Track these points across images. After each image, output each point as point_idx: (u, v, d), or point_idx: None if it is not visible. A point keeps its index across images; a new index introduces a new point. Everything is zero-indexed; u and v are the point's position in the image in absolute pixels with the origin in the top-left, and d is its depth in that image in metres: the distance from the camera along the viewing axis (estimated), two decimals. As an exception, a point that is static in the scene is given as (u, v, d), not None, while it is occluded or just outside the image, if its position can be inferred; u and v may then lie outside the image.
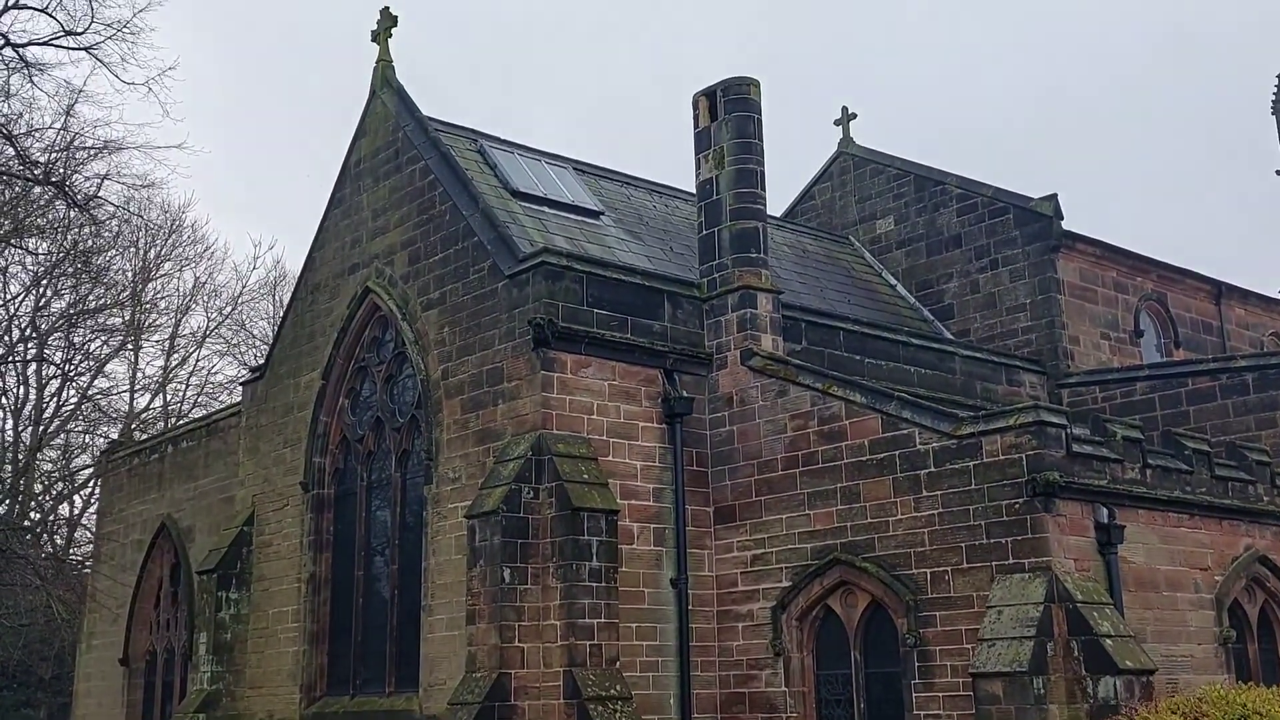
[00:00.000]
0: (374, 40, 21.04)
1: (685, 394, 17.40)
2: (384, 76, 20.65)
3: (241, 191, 71.52)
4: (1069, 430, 14.75)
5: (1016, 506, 14.30)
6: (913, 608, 14.94)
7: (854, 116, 27.32)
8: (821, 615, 16.18)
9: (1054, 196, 23.57)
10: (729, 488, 17.35)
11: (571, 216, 19.80)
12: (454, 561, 16.69)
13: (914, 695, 14.73)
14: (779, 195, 30.11)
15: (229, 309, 41.88)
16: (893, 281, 25.55)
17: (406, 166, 19.57)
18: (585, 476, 15.70)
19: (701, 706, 16.40)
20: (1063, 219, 23.48)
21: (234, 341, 42.13)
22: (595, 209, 20.39)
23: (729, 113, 18.55)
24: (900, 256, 25.79)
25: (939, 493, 15.07)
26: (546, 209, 19.57)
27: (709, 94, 18.79)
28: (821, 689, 16.02)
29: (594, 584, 15.16)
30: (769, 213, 25.64)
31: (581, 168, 21.94)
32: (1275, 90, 41.20)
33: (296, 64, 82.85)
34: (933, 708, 14.52)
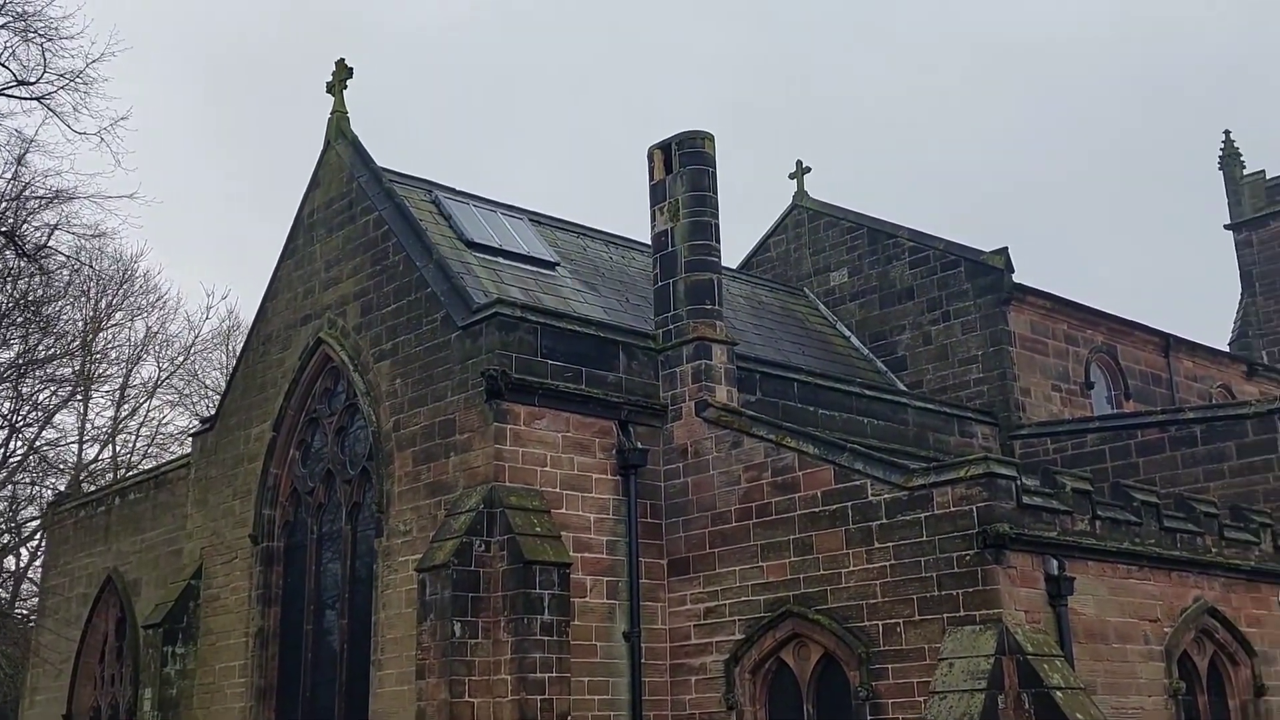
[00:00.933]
0: (329, 91, 21.07)
1: (640, 445, 17.38)
2: (339, 128, 20.68)
3: (196, 240, 71.17)
4: (1019, 482, 14.85)
5: (968, 558, 14.34)
6: (865, 660, 14.91)
7: (808, 170, 27.65)
8: (774, 668, 16.10)
9: (1005, 250, 23.89)
10: (683, 539, 17.30)
11: (527, 267, 19.84)
12: (404, 615, 16.48)
13: (874, 749, 14.67)
14: (736, 247, 30.32)
15: (181, 359, 41.46)
16: (846, 333, 25.74)
17: (360, 217, 19.55)
18: (538, 529, 15.60)
19: (655, 761, 16.24)
20: (1013, 272, 23.79)
21: (186, 392, 41.67)
22: (551, 260, 20.44)
23: (684, 165, 18.71)
24: (854, 308, 26.00)
25: (891, 544, 15.10)
26: (501, 260, 19.59)
27: (664, 147, 18.96)
28: (775, 743, 15.92)
29: (545, 637, 15.01)
30: (725, 264, 25.84)
31: (538, 219, 22.02)
32: (1222, 145, 42.17)
33: (257, 112, 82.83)
34: (896, 761, 14.45)
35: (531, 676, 14.80)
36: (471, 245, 19.43)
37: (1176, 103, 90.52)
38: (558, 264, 20.52)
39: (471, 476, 16.09)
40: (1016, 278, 23.82)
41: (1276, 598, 17.68)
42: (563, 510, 16.33)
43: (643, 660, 16.50)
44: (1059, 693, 13.49)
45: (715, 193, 18.75)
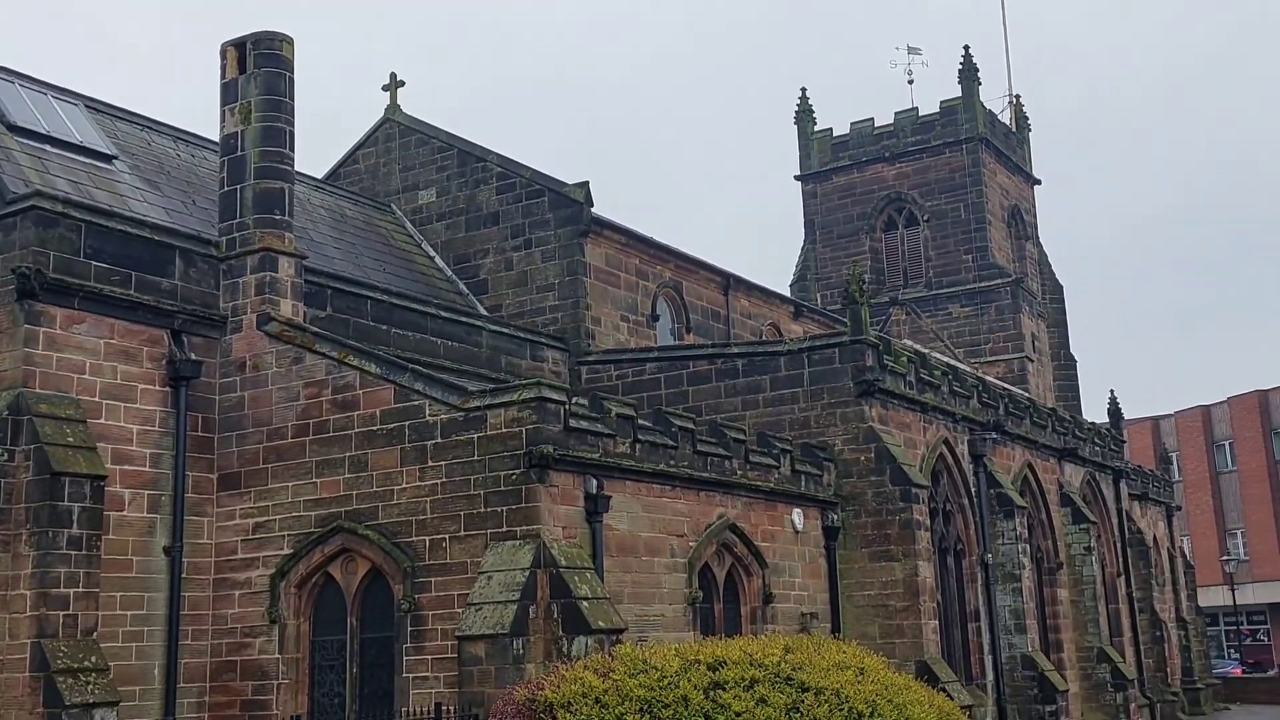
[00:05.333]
0: None
1: (194, 357, 16.78)
2: None
3: None
4: (568, 406, 15.70)
5: (514, 477, 15.04)
6: (410, 574, 15.35)
7: (403, 84, 27.33)
8: (321, 582, 16.25)
9: (586, 184, 24.84)
10: (236, 454, 16.95)
11: (79, 158, 18.41)
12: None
13: (405, 659, 15.18)
14: (326, 159, 29.56)
15: None
16: (431, 253, 25.90)
17: (-120, 84, 17.37)
18: (70, 439, 14.75)
19: (190, 676, 15.98)
20: (593, 205, 24.80)
21: None
22: (108, 152, 19.07)
23: (259, 67, 17.99)
24: (440, 229, 26.17)
25: (444, 463, 15.55)
26: (50, 148, 18.07)
27: (238, 45, 18.13)
28: (316, 655, 16.10)
29: (73, 552, 14.31)
30: (310, 174, 25.28)
31: (96, 106, 20.40)
32: (798, 101, 45.68)
33: None
34: (422, 670, 15.02)
35: (54, 592, 14.08)
36: (14, 129, 17.78)
37: (767, 54, 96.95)
38: (115, 157, 19.18)
39: (-4, 380, 14.92)
40: (596, 211, 24.86)
41: (789, 516, 19.81)
42: (102, 420, 15.52)
43: (184, 575, 16.11)
44: (585, 603, 14.51)
45: (292, 98, 18.19)
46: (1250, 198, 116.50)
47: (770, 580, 19.02)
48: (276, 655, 15.97)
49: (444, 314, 21.79)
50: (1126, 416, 37.57)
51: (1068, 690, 24.32)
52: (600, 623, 14.48)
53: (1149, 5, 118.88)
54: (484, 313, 24.28)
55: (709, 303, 28.34)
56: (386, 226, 25.73)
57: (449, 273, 25.66)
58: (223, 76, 18.21)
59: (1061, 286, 45.67)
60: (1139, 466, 40.34)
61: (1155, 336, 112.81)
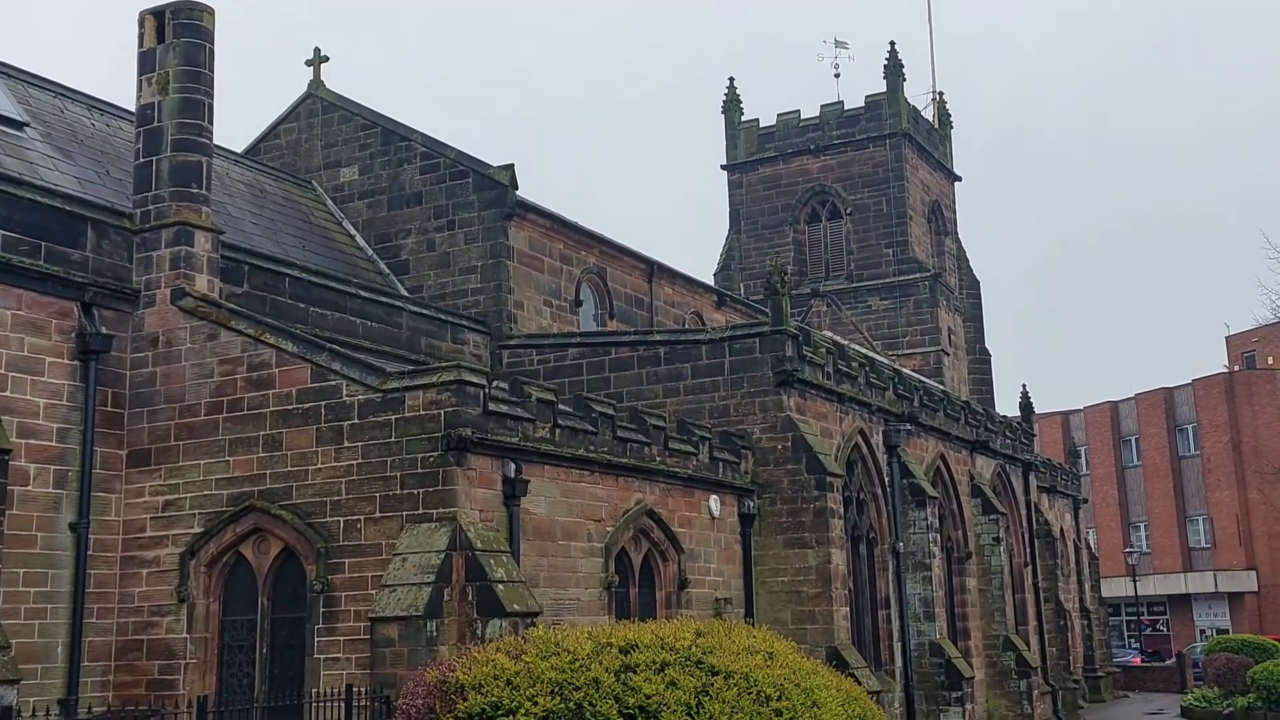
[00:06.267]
0: None
1: (105, 331, 16.43)
2: None
3: None
4: (487, 390, 15.66)
5: (431, 459, 14.98)
6: (323, 555, 15.22)
7: (326, 59, 26.95)
8: (233, 562, 16.04)
9: (510, 166, 24.74)
10: (146, 430, 16.65)
11: (-12, 125, 17.90)
12: None
13: (316, 639, 15.05)
14: (246, 134, 29.03)
15: None
16: (352, 232, 25.62)
17: None
18: (-27, 411, 14.37)
19: (95, 655, 15.69)
20: (518, 188, 24.71)
21: None
22: (19, 119, 18.56)
23: (178, 37, 17.63)
24: (362, 207, 25.89)
25: (360, 444, 15.43)
26: (-43, 113, 17.56)
27: (156, 14, 17.75)
28: (226, 635, 15.90)
29: (-27, 528, 13.96)
30: (229, 148, 24.82)
31: (7, 71, 19.84)
32: (726, 91, 45.89)
33: None
34: (334, 651, 14.91)
35: (-47, 569, 13.73)
36: (-81, 92, 17.24)
37: (697, 43, 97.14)
38: (27, 124, 18.67)
39: (-105, 351, 14.48)
40: (520, 194, 24.77)
41: (707, 503, 19.99)
42: (7, 393, 15.14)
43: (91, 553, 15.79)
44: (500, 585, 14.53)
45: (211, 70, 17.86)
46: (1164, 201, 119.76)
47: (686, 566, 19.18)
48: (185, 635, 15.74)
49: (364, 294, 21.58)
50: (1037, 411, 38.48)
51: (973, 677, 24.88)
52: (515, 606, 14.50)
53: (1075, 7, 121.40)
54: (405, 294, 24.09)
55: (633, 290, 28.42)
56: (307, 203, 25.38)
57: (370, 252, 25.42)
58: (140, 45, 17.81)
59: (978, 282, 46.53)
60: (1048, 460, 41.35)
61: (1068, 334, 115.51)
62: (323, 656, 14.97)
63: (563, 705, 6.97)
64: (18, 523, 14.89)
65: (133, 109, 21.67)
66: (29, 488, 15.22)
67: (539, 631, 7.84)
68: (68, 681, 15.26)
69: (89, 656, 15.55)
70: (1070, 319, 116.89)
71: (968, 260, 46.70)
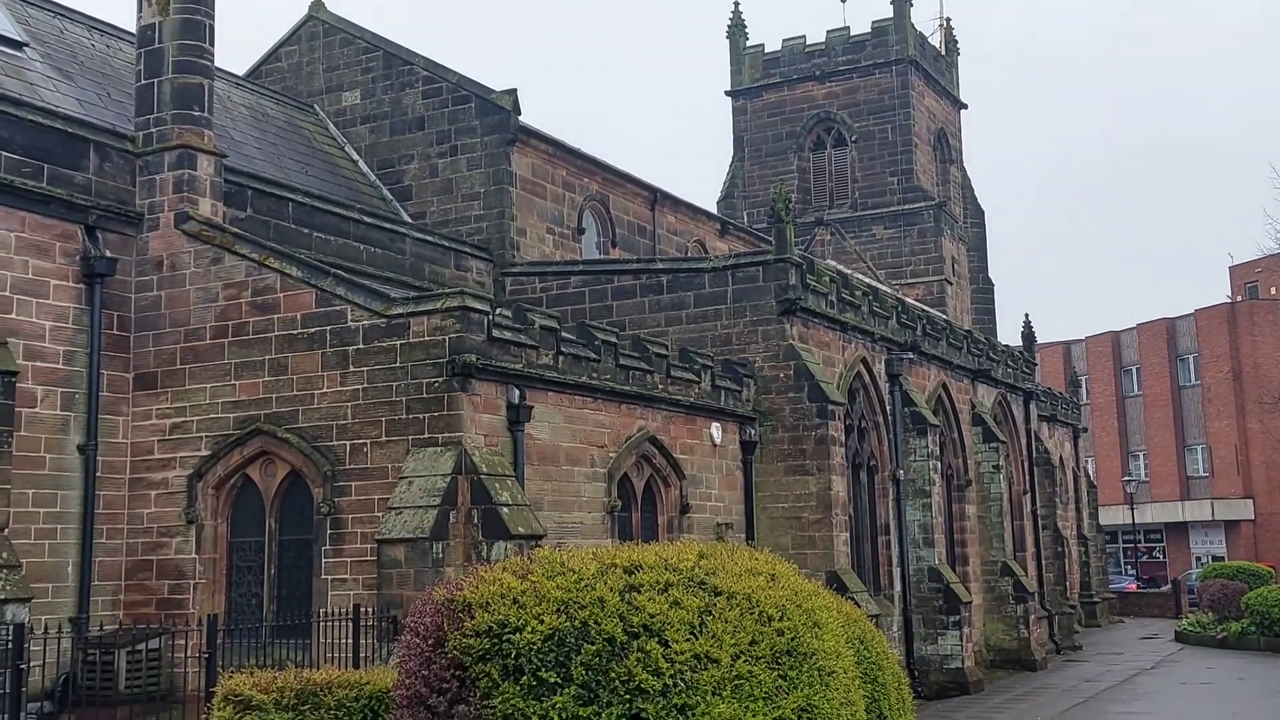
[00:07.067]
0: None
1: (109, 254, 16.44)
2: None
3: None
4: (491, 316, 15.70)
5: (436, 385, 15.07)
6: (330, 478, 15.37)
7: (329, -20, 26.59)
8: (240, 484, 16.21)
9: (514, 91, 24.53)
10: (152, 354, 16.73)
11: (-13, 45, 17.73)
12: None
13: (324, 560, 15.26)
14: (247, 57, 28.71)
15: None
16: (355, 157, 25.48)
17: None
18: (-21, 334, 14.43)
19: (105, 574, 15.92)
20: (520, 114, 24.52)
21: None
22: (18, 39, 18.38)
23: (178, -43, 17.39)
24: (364, 132, 25.71)
25: (366, 368, 15.51)
26: (-44, 33, 17.38)
27: (156, -67, 17.49)
28: (234, 556, 16.12)
29: (-18, 448, 14.09)
30: (231, 71, 24.60)
31: (6, -9, 19.61)
32: (731, 15, 45.32)
33: None
34: (340, 572, 15.13)
35: (-37, 488, 13.88)
36: (-83, 11, 17.05)
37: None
38: (26, 44, 18.50)
39: (-100, 272, 14.51)
40: (523, 120, 24.59)
41: (708, 430, 20.11)
42: (13, 316, 15.19)
43: (99, 474, 15.95)
44: (505, 509, 14.70)
45: (212, -8, 17.64)
46: (1172, 130, 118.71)
47: (688, 491, 19.36)
48: (193, 556, 15.96)
49: (367, 219, 21.53)
50: (1039, 340, 38.54)
51: (971, 602, 25.22)
52: (520, 528, 14.69)
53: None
54: (408, 220, 24.02)
55: (635, 217, 28.31)
56: (309, 128, 25.21)
57: (373, 178, 25.29)
58: (140, -36, 17.58)
59: (983, 211, 46.34)
60: (1049, 389, 41.50)
61: (1072, 263, 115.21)
62: (330, 577, 15.19)
63: (568, 623, 7.10)
64: (26, 444, 15.03)
65: (133, 30, 21.54)
66: (37, 410, 15.33)
67: (544, 553, 7.96)
68: (79, 600, 15.50)
69: (99, 576, 15.78)
70: (1075, 248, 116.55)
71: (973, 189, 46.46)
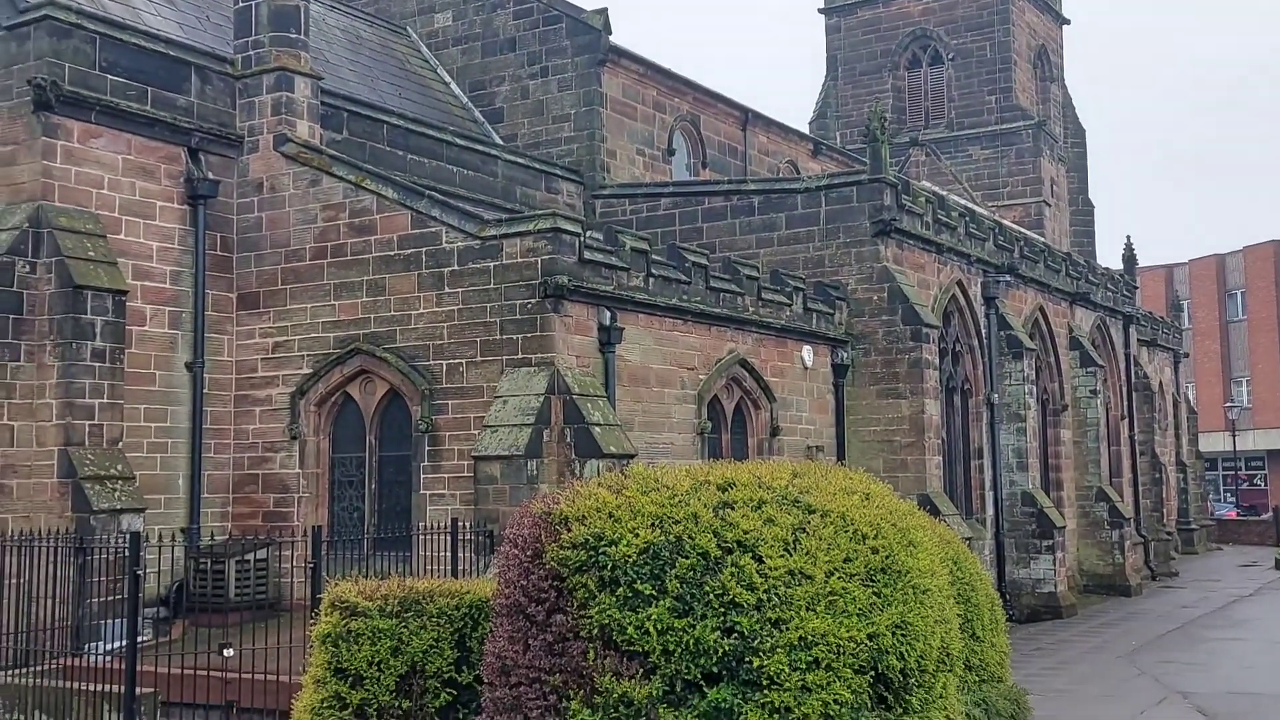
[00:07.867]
0: None
1: (211, 176, 16.79)
2: None
3: None
4: (583, 238, 15.76)
5: (529, 306, 15.22)
6: (427, 396, 15.68)
7: (420, -100, 26.43)
8: (340, 401, 16.61)
9: (604, 10, 24.29)
10: (254, 274, 17.12)
11: (90, -30, 18.01)
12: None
13: (422, 476, 15.63)
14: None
15: None
16: (447, 79, 25.52)
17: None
18: (91, 253, 14.89)
19: (214, 487, 16.50)
20: (611, 34, 24.30)
21: None
22: (120, -35, 18.65)
23: (273, -122, 17.44)
24: (456, 54, 25.73)
25: (460, 290, 15.71)
26: (61, -42, 17.66)
27: None
28: (336, 470, 16.58)
29: (96, 364, 14.61)
30: (323, -8, 24.61)
31: (107, -84, 19.86)
32: (825, -67, 44.15)
33: None
34: (438, 487, 15.49)
35: (79, 402, 14.44)
36: (23, -63, 17.35)
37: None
38: (128, -30, 18.76)
39: (15, 193, 14.98)
40: (614, 40, 24.38)
41: (799, 353, 20.04)
42: (122, 236, 15.64)
43: (206, 391, 16.46)
44: (597, 428, 14.88)
45: (306, -87, 17.69)
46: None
47: (778, 414, 19.36)
48: (297, 470, 16.45)
49: (460, 141, 21.63)
50: (1141, 264, 37.52)
51: (1065, 526, 24.96)
52: (611, 448, 14.87)
53: None
54: (499, 142, 24.08)
55: (726, 138, 28.03)
56: (402, 50, 25.30)
57: (465, 100, 25.34)
58: (236, -113, 17.68)
59: (1084, 130, 44.95)
60: (1150, 313, 40.45)
61: (1176, 184, 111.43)
62: (428, 492, 15.57)
63: (663, 538, 7.18)
64: (137, 361, 15.55)
65: (229, -47, 21.71)
66: (146, 328, 15.83)
67: (639, 469, 8.04)
68: (189, 511, 16.12)
69: (208, 489, 16.36)
70: (1179, 170, 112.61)
71: (1074, 107, 45.04)
